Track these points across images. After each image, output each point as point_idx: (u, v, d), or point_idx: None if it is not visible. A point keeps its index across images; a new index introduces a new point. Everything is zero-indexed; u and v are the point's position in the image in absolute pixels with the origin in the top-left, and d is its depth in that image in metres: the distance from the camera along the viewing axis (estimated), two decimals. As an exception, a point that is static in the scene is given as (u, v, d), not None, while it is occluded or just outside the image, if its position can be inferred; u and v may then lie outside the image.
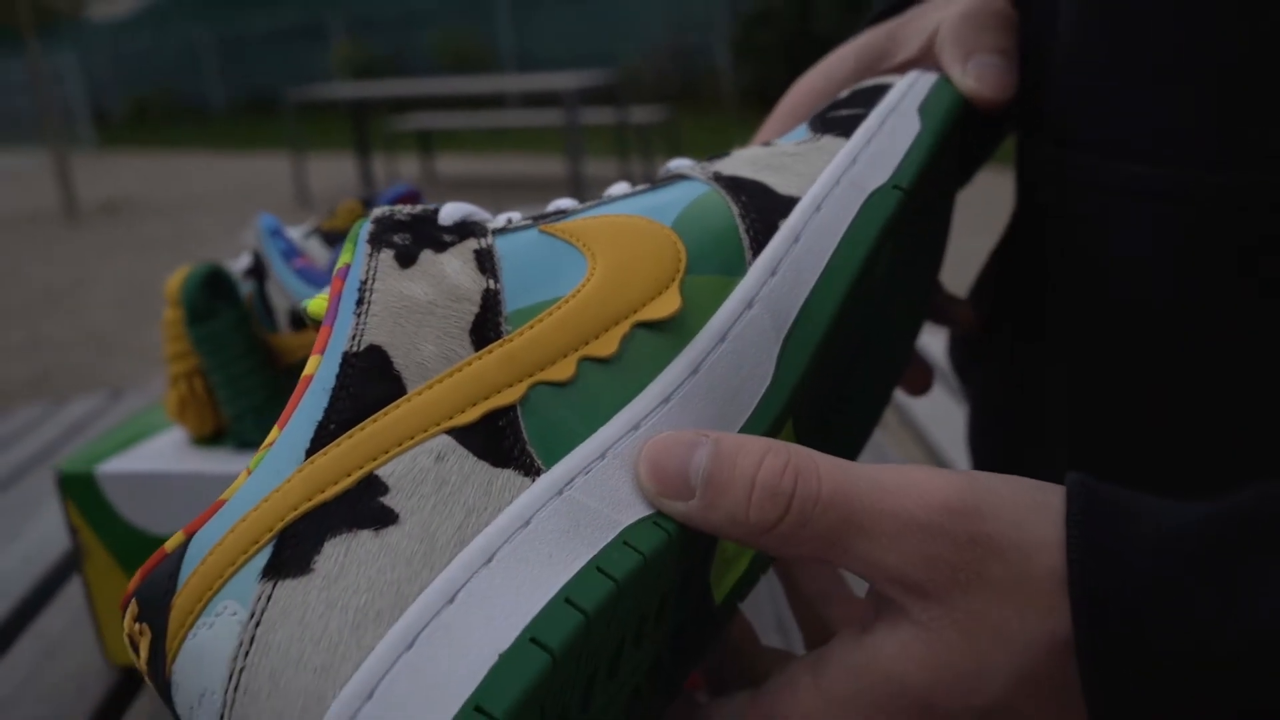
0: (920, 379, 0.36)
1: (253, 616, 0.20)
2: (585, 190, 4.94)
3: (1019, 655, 0.20)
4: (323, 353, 0.23)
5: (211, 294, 0.47)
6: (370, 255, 0.25)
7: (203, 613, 0.20)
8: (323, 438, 0.22)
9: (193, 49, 12.92)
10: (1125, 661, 0.19)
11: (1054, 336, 0.32)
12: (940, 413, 0.88)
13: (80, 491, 0.48)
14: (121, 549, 0.48)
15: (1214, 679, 0.18)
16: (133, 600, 0.22)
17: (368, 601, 0.19)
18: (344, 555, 0.20)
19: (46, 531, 0.68)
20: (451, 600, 0.19)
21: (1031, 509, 0.21)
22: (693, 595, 0.24)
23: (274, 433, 0.23)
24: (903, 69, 0.33)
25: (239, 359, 0.48)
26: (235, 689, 0.19)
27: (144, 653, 0.21)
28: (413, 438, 0.22)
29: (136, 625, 0.21)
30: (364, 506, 0.20)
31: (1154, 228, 0.27)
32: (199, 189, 6.47)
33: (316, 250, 0.48)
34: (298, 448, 0.22)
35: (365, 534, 0.20)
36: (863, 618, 0.22)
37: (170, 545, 0.22)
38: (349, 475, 0.21)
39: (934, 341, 0.94)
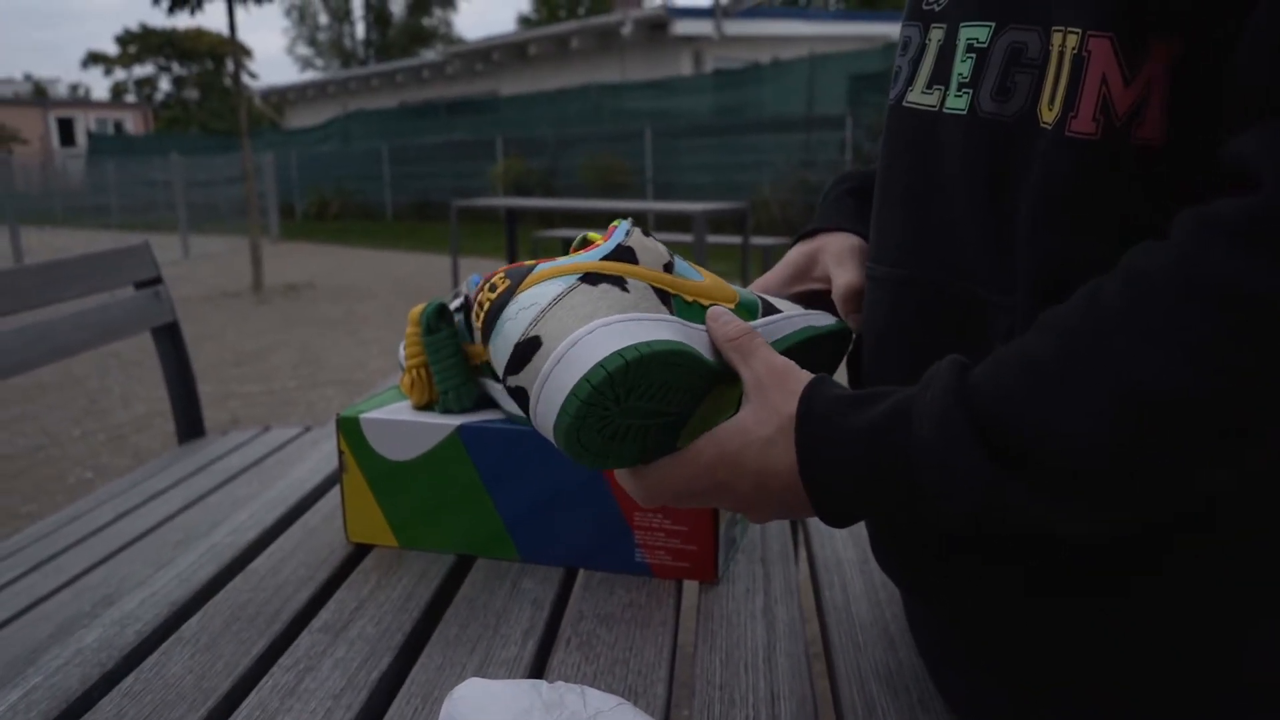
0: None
1: (553, 301, 0.49)
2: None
3: (782, 419, 0.48)
4: (606, 236, 0.54)
5: (438, 318, 0.81)
6: (629, 232, 0.55)
7: (533, 286, 0.50)
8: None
9: (370, 158, 14.29)
10: (810, 434, 0.47)
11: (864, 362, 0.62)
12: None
13: (349, 428, 0.81)
14: (367, 466, 0.81)
15: (843, 449, 0.46)
16: (504, 273, 0.51)
17: (589, 313, 0.49)
18: (579, 296, 0.50)
19: (298, 476, 1.02)
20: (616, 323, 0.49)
21: (804, 379, 0.49)
22: (681, 418, 0.53)
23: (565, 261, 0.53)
24: (815, 281, 0.66)
25: (449, 357, 0.80)
26: (535, 325, 0.48)
27: (499, 289, 0.50)
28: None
29: (501, 279, 0.51)
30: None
31: (882, 297, 0.57)
32: (367, 279, 7.19)
33: (502, 297, 0.81)
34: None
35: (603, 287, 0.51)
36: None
37: (529, 264, 0.52)
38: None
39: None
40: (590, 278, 0.50)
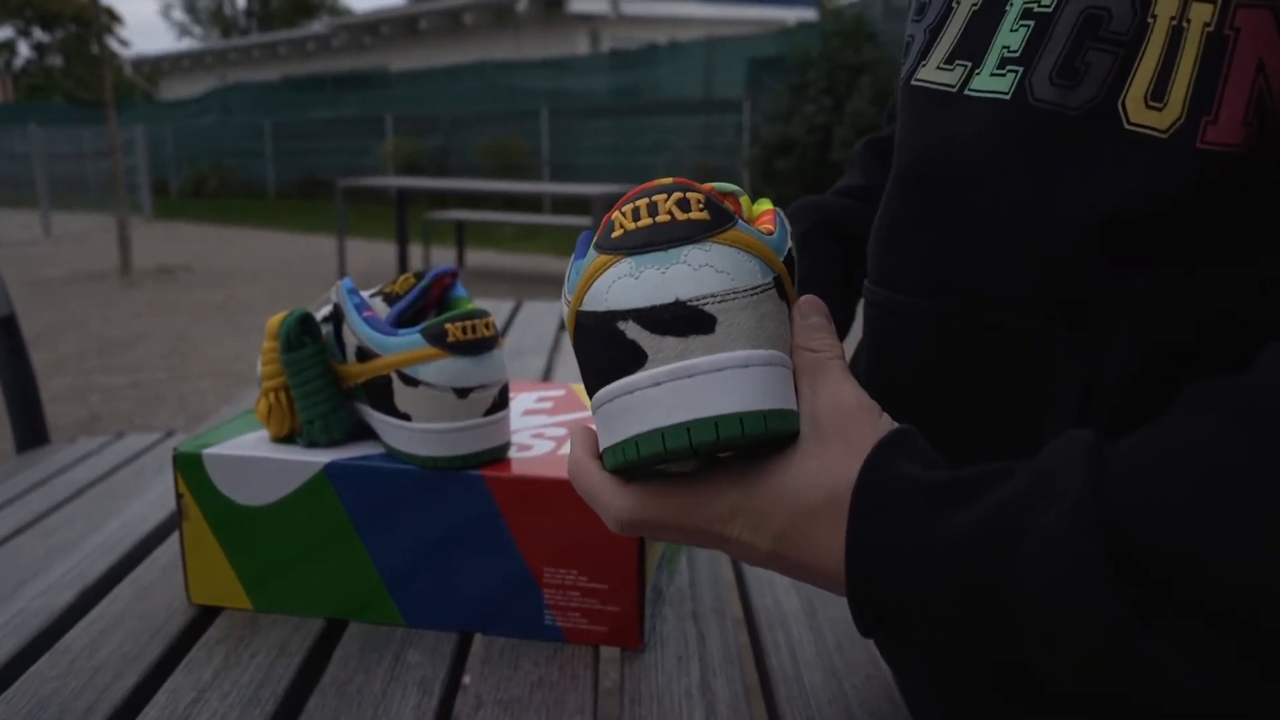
0: None
1: (749, 291, 0.37)
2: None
3: (834, 485, 0.36)
4: (771, 224, 0.41)
5: (302, 331, 0.66)
6: (790, 230, 0.42)
7: (731, 248, 0.37)
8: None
9: (251, 133, 13.59)
10: (869, 534, 0.34)
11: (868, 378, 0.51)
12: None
13: (189, 467, 0.65)
14: (212, 512, 0.66)
15: (915, 566, 0.33)
16: (704, 200, 0.38)
17: (769, 333, 0.38)
18: (769, 304, 0.38)
19: (136, 514, 0.86)
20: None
21: (874, 431, 0.37)
22: None
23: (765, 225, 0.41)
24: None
25: (315, 380, 0.66)
26: (718, 302, 0.36)
27: (691, 212, 0.37)
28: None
29: (698, 204, 0.37)
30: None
31: (897, 326, 0.46)
32: (248, 261, 6.80)
33: (380, 306, 0.67)
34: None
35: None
36: None
37: (727, 205, 0.38)
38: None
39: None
40: (780, 285, 0.39)
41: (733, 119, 8.80)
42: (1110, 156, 0.36)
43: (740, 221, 0.38)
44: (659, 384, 0.36)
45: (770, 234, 0.40)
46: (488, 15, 13.20)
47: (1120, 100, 0.36)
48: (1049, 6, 0.38)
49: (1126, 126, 0.35)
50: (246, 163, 13.62)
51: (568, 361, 1.31)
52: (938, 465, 0.36)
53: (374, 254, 6.90)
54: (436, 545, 0.63)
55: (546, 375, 1.22)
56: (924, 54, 0.44)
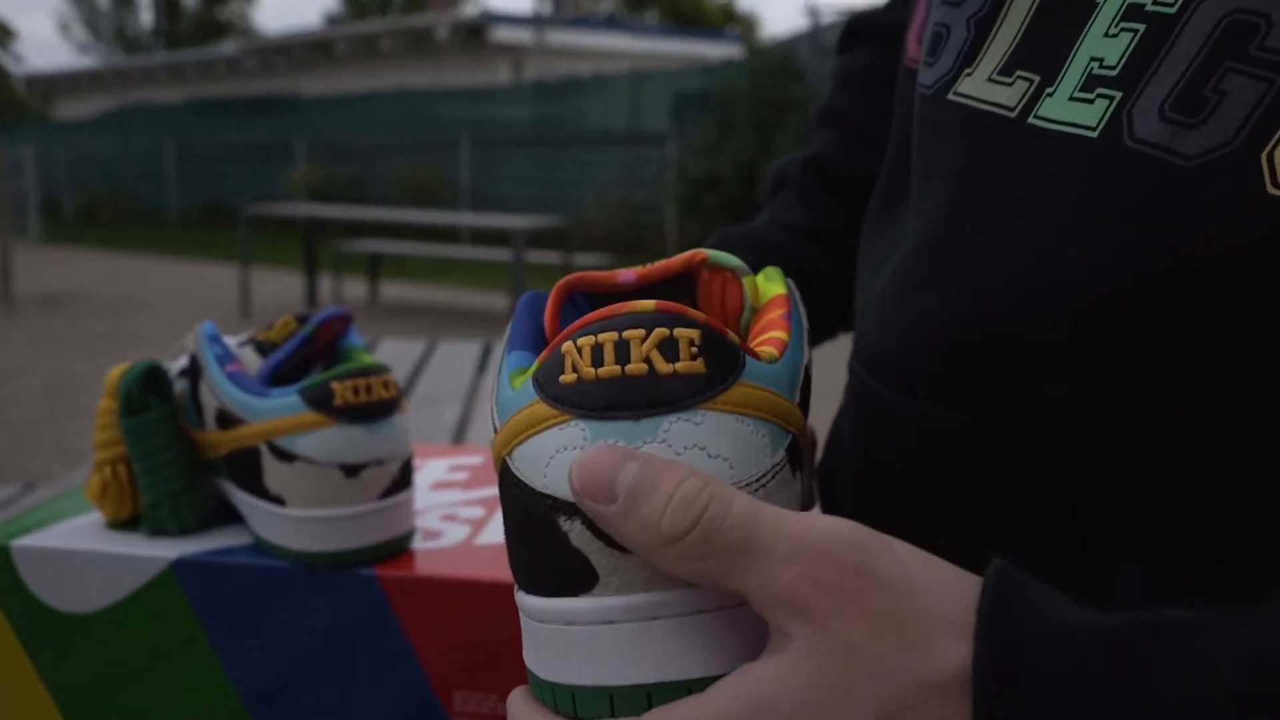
0: None
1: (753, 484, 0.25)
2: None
3: (892, 689, 0.22)
4: (784, 328, 0.29)
5: (146, 388, 0.52)
6: (807, 329, 0.30)
7: (735, 416, 0.25)
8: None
9: (153, 156, 13.09)
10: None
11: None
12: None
13: (-8, 562, 0.51)
14: (23, 623, 0.51)
15: None
16: (704, 332, 0.25)
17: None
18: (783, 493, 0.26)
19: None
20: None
21: (914, 555, 0.24)
22: None
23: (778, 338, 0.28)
24: None
25: (163, 450, 0.52)
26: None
27: (680, 365, 0.24)
28: None
29: (693, 347, 0.25)
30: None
31: (893, 433, 0.36)
32: (144, 291, 6.47)
33: (250, 358, 0.54)
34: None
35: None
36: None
37: (730, 341, 0.26)
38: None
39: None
40: (794, 452, 0.27)
41: (657, 153, 8.80)
42: (1231, 231, 0.25)
43: (750, 362, 0.26)
44: (611, 623, 0.24)
45: (782, 354, 0.27)
46: (405, 41, 13.06)
47: (1267, 151, 0.25)
48: (1171, 6, 0.27)
49: (1270, 191, 0.25)
50: (146, 187, 13.10)
51: (488, 415, 1.18)
52: (1062, 601, 0.23)
53: (281, 284, 6.62)
54: (315, 663, 0.50)
55: (461, 431, 1.09)
56: (970, 58, 0.33)
